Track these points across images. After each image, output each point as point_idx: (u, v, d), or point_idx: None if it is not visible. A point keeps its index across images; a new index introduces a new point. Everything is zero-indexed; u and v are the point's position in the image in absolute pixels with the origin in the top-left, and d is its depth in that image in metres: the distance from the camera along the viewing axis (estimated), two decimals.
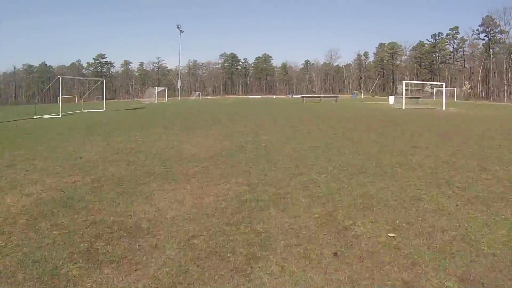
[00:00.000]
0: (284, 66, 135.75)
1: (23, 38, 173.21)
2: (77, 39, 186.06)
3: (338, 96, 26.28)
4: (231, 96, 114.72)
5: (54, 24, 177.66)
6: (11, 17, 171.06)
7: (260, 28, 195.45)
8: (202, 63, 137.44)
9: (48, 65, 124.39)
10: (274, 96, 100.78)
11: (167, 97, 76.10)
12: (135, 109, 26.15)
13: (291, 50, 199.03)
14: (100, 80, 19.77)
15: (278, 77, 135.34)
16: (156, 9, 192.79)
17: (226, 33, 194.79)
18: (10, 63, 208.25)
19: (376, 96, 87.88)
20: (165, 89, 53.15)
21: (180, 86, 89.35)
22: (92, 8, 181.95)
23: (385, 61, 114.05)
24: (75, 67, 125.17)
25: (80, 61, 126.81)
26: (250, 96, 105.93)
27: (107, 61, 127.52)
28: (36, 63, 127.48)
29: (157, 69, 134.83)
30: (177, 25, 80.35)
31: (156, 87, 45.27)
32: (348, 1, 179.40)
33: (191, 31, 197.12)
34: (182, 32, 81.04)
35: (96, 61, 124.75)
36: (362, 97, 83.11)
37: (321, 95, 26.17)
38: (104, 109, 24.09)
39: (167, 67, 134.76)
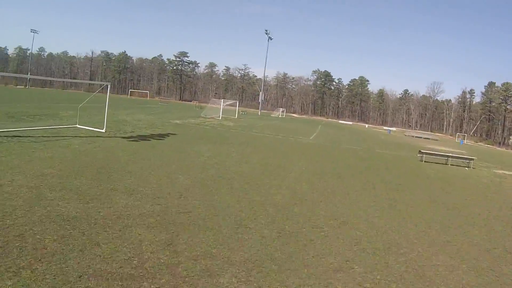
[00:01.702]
0: (381, 93, 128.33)
1: (104, 25, 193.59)
2: (162, 33, 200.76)
3: (472, 160, 16.90)
4: (321, 118, 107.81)
5: (139, 16, 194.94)
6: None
7: (358, 48, 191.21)
8: (293, 77, 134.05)
9: (128, 55, 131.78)
10: (367, 125, 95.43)
11: (244, 110, 72.27)
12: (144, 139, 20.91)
13: (389, 77, 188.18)
14: (104, 84, 13.06)
15: (373, 104, 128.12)
16: (249, 16, 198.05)
17: (322, 48, 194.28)
18: (88, 47, 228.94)
19: (483, 144, 72.14)
20: (236, 102, 48.30)
21: (262, 100, 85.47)
22: (179, 5, 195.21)
23: (494, 104, 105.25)
24: (157, 62, 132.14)
25: (162, 56, 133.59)
26: (340, 121, 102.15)
27: (191, 61, 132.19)
28: (115, 51, 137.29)
29: (242, 76, 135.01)
30: (266, 31, 77.07)
31: (222, 100, 40.20)
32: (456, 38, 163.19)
33: (284, 41, 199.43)
34: (270, 39, 77.66)
35: (177, 59, 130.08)
36: (466, 141, 68.64)
37: (448, 154, 17.33)
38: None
39: (255, 76, 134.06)
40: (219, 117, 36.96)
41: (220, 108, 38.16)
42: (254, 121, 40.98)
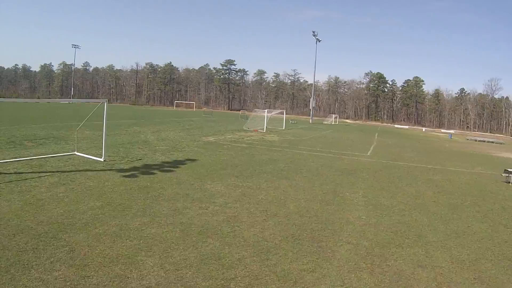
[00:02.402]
0: (436, 93, 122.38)
1: (149, 37, 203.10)
2: (208, 42, 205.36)
3: None
4: (376, 123, 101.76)
5: (184, 25, 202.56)
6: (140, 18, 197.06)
7: (411, 47, 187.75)
8: (345, 81, 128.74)
9: (173, 66, 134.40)
10: (424, 129, 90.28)
11: (295, 118, 68.46)
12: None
13: (444, 75, 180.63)
14: (101, 101, 15.56)
15: (429, 105, 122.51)
16: (297, 21, 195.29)
17: (374, 49, 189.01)
18: (133, 60, 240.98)
19: None
20: (283, 111, 44.57)
21: (313, 106, 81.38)
22: (226, 13, 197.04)
23: None
24: (204, 71, 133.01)
25: (209, 65, 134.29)
26: (396, 125, 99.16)
27: (239, 69, 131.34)
28: (161, 63, 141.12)
29: (293, 83, 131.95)
30: (313, 32, 72.83)
31: (266, 110, 36.55)
32: None
33: (334, 44, 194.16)
34: (318, 41, 73.38)
35: (224, 67, 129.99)
36: None
37: None
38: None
39: (306, 81, 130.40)
40: (263, 129, 33.38)
41: (265, 120, 34.50)
42: (303, 132, 36.88)
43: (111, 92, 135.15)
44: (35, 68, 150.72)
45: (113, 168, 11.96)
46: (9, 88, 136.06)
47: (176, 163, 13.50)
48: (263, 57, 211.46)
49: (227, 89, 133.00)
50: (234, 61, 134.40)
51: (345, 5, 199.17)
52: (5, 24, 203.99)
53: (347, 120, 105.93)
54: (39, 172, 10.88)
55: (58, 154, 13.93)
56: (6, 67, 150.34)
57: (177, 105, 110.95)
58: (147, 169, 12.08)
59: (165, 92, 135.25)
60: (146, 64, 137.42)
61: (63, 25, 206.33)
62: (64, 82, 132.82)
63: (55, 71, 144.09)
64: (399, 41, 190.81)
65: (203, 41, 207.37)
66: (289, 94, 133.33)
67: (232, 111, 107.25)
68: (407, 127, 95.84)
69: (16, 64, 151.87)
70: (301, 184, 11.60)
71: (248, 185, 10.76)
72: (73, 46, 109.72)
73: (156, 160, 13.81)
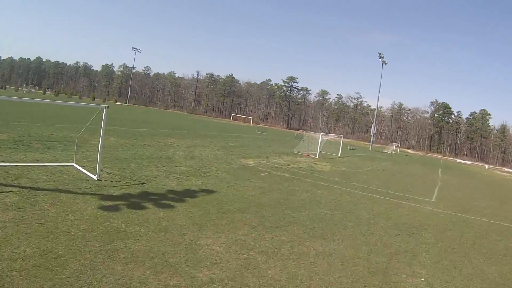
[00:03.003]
0: (502, 128, 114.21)
1: (212, 46, 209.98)
2: (271, 57, 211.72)
3: None
4: (438, 155, 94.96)
5: (247, 38, 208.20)
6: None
7: (480, 79, 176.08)
8: (408, 109, 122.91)
9: (235, 78, 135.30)
10: (487, 166, 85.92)
11: (354, 144, 64.31)
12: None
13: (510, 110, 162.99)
14: (101, 107, 11.63)
15: (493, 141, 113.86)
16: (362, 43, 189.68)
17: (441, 78, 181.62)
18: (194, 69, 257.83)
19: None
20: (340, 136, 40.70)
21: (374, 133, 76.00)
22: (290, 28, 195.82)
23: None
24: (265, 86, 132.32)
25: (271, 80, 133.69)
26: (458, 160, 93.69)
27: (301, 87, 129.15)
28: (222, 74, 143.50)
29: (355, 106, 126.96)
30: (379, 54, 68.00)
31: (321, 134, 33.00)
32: None
33: (400, 70, 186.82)
34: (385, 64, 68.43)
35: (286, 84, 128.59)
36: None
37: None
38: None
39: (369, 105, 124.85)
40: (316, 154, 29.93)
41: (318, 143, 31.01)
42: (360, 163, 32.73)
43: (169, 98, 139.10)
44: (97, 67, 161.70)
45: (99, 193, 9.56)
46: (69, 84, 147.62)
47: (185, 195, 10.78)
48: (326, 76, 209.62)
49: (287, 107, 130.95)
50: (297, 78, 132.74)
51: (414, 30, 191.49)
52: (70, 22, 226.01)
53: (408, 150, 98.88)
54: (5, 186, 8.81)
55: (53, 164, 12.03)
56: (68, 63, 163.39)
57: (234, 119, 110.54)
58: (140, 200, 9.48)
59: (223, 104, 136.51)
60: (207, 73, 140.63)
61: (126, 27, 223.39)
62: (123, 84, 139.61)
63: (116, 72, 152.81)
64: (467, 71, 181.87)
65: (266, 55, 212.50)
66: (351, 118, 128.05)
67: (290, 130, 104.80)
68: (469, 162, 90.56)
69: (77, 62, 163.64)
70: (341, 250, 8.20)
71: (263, 247, 7.63)
72: (133, 49, 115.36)
73: (162, 187, 11.23)
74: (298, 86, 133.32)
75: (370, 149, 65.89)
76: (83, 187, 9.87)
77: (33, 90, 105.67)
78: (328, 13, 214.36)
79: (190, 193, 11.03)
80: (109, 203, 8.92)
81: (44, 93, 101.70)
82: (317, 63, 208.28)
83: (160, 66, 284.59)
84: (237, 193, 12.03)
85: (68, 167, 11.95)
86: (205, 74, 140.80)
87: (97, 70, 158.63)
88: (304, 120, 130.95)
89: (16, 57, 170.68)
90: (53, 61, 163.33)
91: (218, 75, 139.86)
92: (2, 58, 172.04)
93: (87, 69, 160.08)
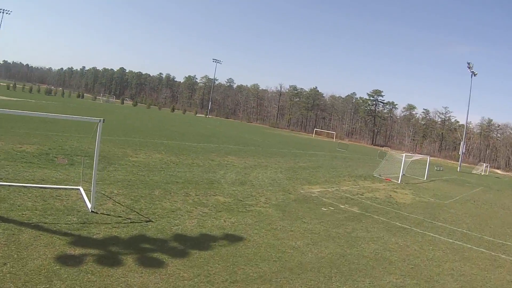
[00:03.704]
0: None
1: (296, 58, 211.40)
2: (355, 69, 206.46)
3: None
4: None
5: (331, 49, 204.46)
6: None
7: None
8: (498, 125, 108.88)
9: (318, 91, 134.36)
10: None
11: (441, 164, 56.69)
12: None
13: None
14: (97, 121, 9.31)
15: None
16: (449, 56, 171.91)
17: None
18: (277, 81, 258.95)
19: None
20: (427, 158, 34.67)
21: (463, 152, 67.09)
22: (375, 40, 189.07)
23: None
24: (350, 100, 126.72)
25: (355, 94, 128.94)
26: None
27: (387, 101, 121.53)
28: (306, 87, 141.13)
29: (443, 121, 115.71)
30: (468, 64, 59.93)
31: (404, 155, 27.85)
32: None
33: (491, 84, 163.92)
34: (474, 75, 59.89)
35: (371, 98, 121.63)
36: None
37: None
38: None
39: (457, 121, 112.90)
40: (398, 178, 25.26)
41: (401, 166, 26.14)
42: (448, 189, 27.31)
43: (252, 111, 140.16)
44: (179, 78, 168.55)
45: (76, 233, 7.45)
46: (151, 95, 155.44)
47: (194, 244, 8.08)
48: (412, 90, 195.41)
49: (372, 122, 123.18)
50: (382, 92, 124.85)
51: (502, 41, 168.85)
52: (156, 33, 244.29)
53: (498, 171, 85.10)
54: None
55: (56, 186, 10.29)
56: (151, 74, 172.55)
57: (317, 133, 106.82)
58: (122, 250, 7.04)
59: (307, 118, 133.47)
60: (290, 86, 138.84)
61: (210, 39, 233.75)
62: (206, 96, 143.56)
63: (198, 84, 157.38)
64: None
65: (351, 67, 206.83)
66: (438, 134, 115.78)
67: (374, 147, 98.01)
68: None
69: (160, 73, 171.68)
70: None
71: None
72: (214, 60, 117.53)
73: (170, 229, 8.68)
74: (383, 100, 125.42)
75: (458, 169, 57.74)
76: (64, 222, 7.81)
77: (110, 99, 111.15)
78: (414, 25, 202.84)
79: (203, 242, 8.22)
80: (76, 251, 6.58)
81: (122, 103, 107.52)
82: (403, 76, 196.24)
83: (243, 78, 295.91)
84: (274, 244, 8.84)
85: (72, 191, 10.10)
86: (288, 87, 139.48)
87: (180, 81, 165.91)
88: (389, 137, 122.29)
89: (100, 67, 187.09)
90: (135, 71, 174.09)
91: (301, 88, 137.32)
92: (86, 68, 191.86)
93: (169, 80, 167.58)
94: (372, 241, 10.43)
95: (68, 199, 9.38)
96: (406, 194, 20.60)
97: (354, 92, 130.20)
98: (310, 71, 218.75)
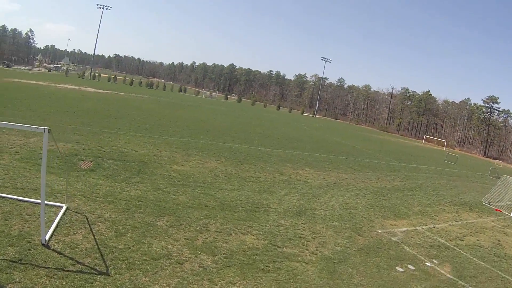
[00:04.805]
0: None
1: (408, 60, 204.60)
2: (470, 73, 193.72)
3: None
4: None
5: (444, 53, 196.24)
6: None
7: None
8: None
9: (431, 95, 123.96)
10: None
11: None
12: None
13: None
14: (41, 130, 7.17)
15: None
16: None
17: None
18: (389, 83, 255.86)
19: None
20: None
21: None
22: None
23: None
24: (464, 106, 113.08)
25: (470, 99, 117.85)
26: None
27: (504, 109, 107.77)
28: (418, 90, 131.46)
29: None
30: None
31: None
32: None
33: None
34: None
35: (486, 105, 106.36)
36: None
37: None
38: None
39: None
40: (511, 210, 19.35)
41: None
42: None
43: (361, 113, 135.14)
44: (289, 76, 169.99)
45: None
46: (260, 92, 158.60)
47: None
48: None
49: (486, 131, 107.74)
50: (498, 98, 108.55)
51: None
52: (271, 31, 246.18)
53: None
54: None
55: (38, 201, 8.60)
56: (262, 71, 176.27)
57: (427, 140, 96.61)
58: None
59: (417, 123, 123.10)
60: (402, 89, 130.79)
61: (320, 38, 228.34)
62: (315, 95, 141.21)
63: (309, 82, 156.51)
64: None
65: (466, 71, 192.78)
66: None
67: (486, 159, 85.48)
68: None
69: (270, 70, 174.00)
70: None
71: None
72: (323, 59, 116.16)
73: None
74: (498, 108, 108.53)
75: None
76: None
77: (214, 94, 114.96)
78: None
79: None
80: None
81: (226, 99, 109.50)
82: None
83: (354, 78, 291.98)
84: None
85: (51, 209, 8.20)
86: (400, 89, 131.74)
87: (290, 79, 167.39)
88: (503, 148, 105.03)
89: (210, 63, 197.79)
90: (245, 68, 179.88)
91: (413, 91, 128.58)
92: (196, 64, 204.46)
93: (279, 78, 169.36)
94: None
95: (34, 221, 7.58)
96: None
97: (468, 98, 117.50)
98: (422, 73, 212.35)
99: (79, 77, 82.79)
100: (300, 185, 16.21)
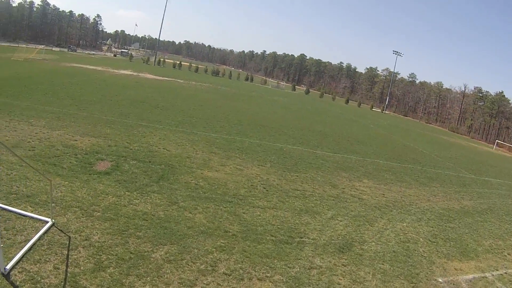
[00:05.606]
0: None
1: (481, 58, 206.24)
2: None
3: None
4: None
5: None
6: None
7: None
8: None
9: (505, 97, 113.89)
10: None
11: None
12: None
13: None
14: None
15: None
16: None
17: None
18: (462, 81, 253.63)
19: None
20: None
21: None
22: None
23: None
24: None
25: None
26: None
27: None
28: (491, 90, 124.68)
29: None
30: None
31: None
32: None
33: None
34: None
35: None
36: None
37: None
38: None
39: None
40: None
41: None
42: None
43: (432, 111, 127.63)
44: (360, 69, 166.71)
45: None
46: (330, 84, 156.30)
47: None
48: None
49: None
50: None
51: None
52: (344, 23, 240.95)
53: None
54: None
55: (23, 213, 7.58)
56: (332, 63, 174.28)
57: (499, 146, 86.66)
58: None
59: (489, 126, 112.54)
60: (475, 88, 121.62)
61: (392, 31, 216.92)
62: (385, 90, 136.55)
63: (379, 76, 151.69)
64: None
65: None
66: None
67: None
68: None
69: (341, 62, 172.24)
70: None
71: None
72: (394, 52, 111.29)
73: None
74: None
75: None
76: None
77: (281, 84, 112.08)
78: None
79: None
80: None
81: (294, 90, 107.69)
82: None
83: (426, 74, 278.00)
84: None
85: (35, 224, 7.12)
86: (473, 88, 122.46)
87: (361, 72, 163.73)
88: None
89: (280, 52, 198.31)
90: (315, 58, 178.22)
91: (487, 91, 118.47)
92: (267, 53, 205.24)
93: (350, 70, 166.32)
94: None
95: (8, 240, 6.39)
96: None
97: None
98: (496, 72, 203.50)
99: (143, 62, 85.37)
100: (353, 204, 13.84)
